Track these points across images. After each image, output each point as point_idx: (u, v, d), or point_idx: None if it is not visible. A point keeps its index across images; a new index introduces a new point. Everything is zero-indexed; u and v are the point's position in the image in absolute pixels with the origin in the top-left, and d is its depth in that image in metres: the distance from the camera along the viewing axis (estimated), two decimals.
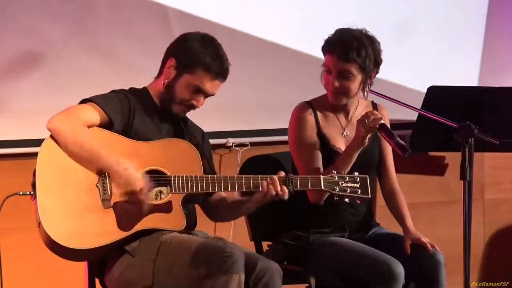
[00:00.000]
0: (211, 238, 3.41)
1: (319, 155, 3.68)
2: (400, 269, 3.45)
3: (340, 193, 3.37)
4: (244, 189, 3.30)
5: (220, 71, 3.35)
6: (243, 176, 3.31)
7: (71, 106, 3.27)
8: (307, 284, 3.61)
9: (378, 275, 3.45)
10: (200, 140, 3.51)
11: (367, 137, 3.54)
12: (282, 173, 3.33)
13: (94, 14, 4.32)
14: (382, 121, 3.50)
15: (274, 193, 3.28)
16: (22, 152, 4.17)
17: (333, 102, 3.70)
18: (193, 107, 3.39)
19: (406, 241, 3.66)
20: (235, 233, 4.42)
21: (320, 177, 3.37)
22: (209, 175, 3.30)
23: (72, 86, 4.21)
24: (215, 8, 4.49)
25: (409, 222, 3.75)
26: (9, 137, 4.22)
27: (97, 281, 3.39)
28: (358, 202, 3.43)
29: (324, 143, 3.71)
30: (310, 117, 3.72)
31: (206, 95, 3.38)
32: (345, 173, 3.50)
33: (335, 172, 3.39)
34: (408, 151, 3.39)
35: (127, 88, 3.44)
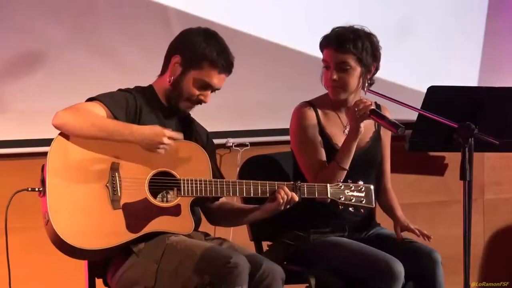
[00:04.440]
0: (214, 239, 3.41)
1: (323, 151, 3.67)
2: (400, 268, 3.46)
3: (346, 202, 3.39)
4: (252, 195, 3.30)
5: (227, 65, 3.34)
6: (251, 181, 3.29)
7: (76, 103, 3.22)
8: (307, 284, 3.61)
9: (379, 274, 3.45)
10: (205, 140, 3.49)
11: (361, 126, 3.54)
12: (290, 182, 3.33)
13: (94, 14, 4.32)
14: (372, 107, 3.51)
15: (286, 200, 3.27)
16: (23, 152, 4.17)
17: (332, 98, 3.70)
18: (200, 102, 3.37)
19: (397, 228, 3.71)
20: (235, 233, 4.41)
21: (327, 186, 3.39)
22: (218, 180, 3.28)
23: (72, 86, 4.21)
24: (215, 8, 4.49)
25: (399, 212, 3.80)
26: (10, 137, 4.22)
27: (97, 281, 3.38)
28: (362, 211, 3.45)
29: (326, 141, 3.70)
30: (311, 115, 3.72)
31: (213, 89, 3.36)
32: (346, 166, 3.53)
33: (340, 181, 3.41)
34: (401, 127, 3.43)
35: (131, 86, 3.41)
